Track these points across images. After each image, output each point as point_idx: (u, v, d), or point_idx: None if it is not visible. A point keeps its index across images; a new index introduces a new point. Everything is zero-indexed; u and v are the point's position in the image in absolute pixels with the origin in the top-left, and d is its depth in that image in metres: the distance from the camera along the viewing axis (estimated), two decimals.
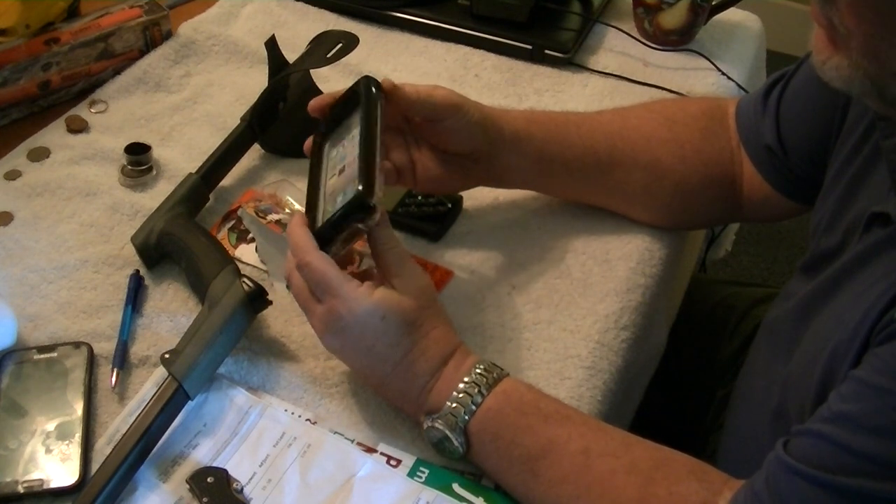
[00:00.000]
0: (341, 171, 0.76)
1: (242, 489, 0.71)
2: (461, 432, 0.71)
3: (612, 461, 0.69)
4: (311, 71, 1.02)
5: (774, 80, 0.89)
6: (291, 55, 1.00)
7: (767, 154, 0.88)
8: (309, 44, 1.01)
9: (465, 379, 0.72)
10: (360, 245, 0.81)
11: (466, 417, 0.71)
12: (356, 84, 0.80)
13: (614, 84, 1.14)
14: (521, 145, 0.87)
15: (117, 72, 1.10)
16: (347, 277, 0.72)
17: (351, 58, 0.98)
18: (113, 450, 0.70)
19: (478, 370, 0.72)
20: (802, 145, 0.85)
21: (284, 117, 1.00)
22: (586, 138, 0.89)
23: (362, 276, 0.74)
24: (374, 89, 0.78)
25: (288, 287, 0.78)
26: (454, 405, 0.71)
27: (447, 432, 0.71)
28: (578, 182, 0.91)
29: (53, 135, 1.02)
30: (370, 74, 0.81)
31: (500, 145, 0.86)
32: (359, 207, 0.71)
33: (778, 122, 0.87)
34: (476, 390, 0.71)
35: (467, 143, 0.84)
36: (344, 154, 0.77)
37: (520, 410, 0.72)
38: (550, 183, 0.92)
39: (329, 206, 0.75)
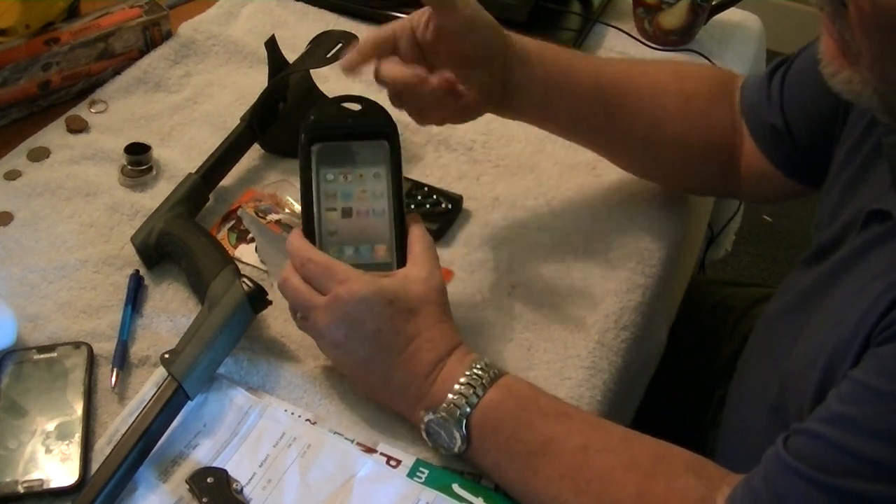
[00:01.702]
0: (346, 212, 0.77)
1: (242, 489, 0.71)
2: (463, 425, 0.71)
3: (610, 458, 0.69)
4: (311, 71, 1.02)
5: (777, 64, 0.89)
6: (291, 55, 1.00)
7: (771, 132, 0.88)
8: (309, 44, 1.02)
9: (467, 372, 0.72)
10: None
11: (468, 409, 0.71)
12: (381, 117, 0.78)
13: None
14: (530, 63, 0.86)
15: (117, 72, 1.10)
16: (352, 268, 0.73)
17: None
18: (113, 450, 0.70)
19: (478, 366, 0.73)
20: (807, 126, 0.85)
21: (284, 117, 1.00)
22: (596, 75, 0.89)
23: None
24: (398, 157, 0.78)
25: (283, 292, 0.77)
26: (457, 396, 0.71)
27: (449, 423, 0.71)
28: (581, 120, 0.91)
29: (53, 135, 1.02)
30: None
31: (512, 57, 0.85)
32: None
33: (782, 102, 0.87)
34: (479, 382, 0.72)
35: (481, 46, 0.82)
36: (349, 192, 0.77)
37: (521, 405, 0.72)
38: (554, 115, 0.91)
39: (332, 251, 0.76)
